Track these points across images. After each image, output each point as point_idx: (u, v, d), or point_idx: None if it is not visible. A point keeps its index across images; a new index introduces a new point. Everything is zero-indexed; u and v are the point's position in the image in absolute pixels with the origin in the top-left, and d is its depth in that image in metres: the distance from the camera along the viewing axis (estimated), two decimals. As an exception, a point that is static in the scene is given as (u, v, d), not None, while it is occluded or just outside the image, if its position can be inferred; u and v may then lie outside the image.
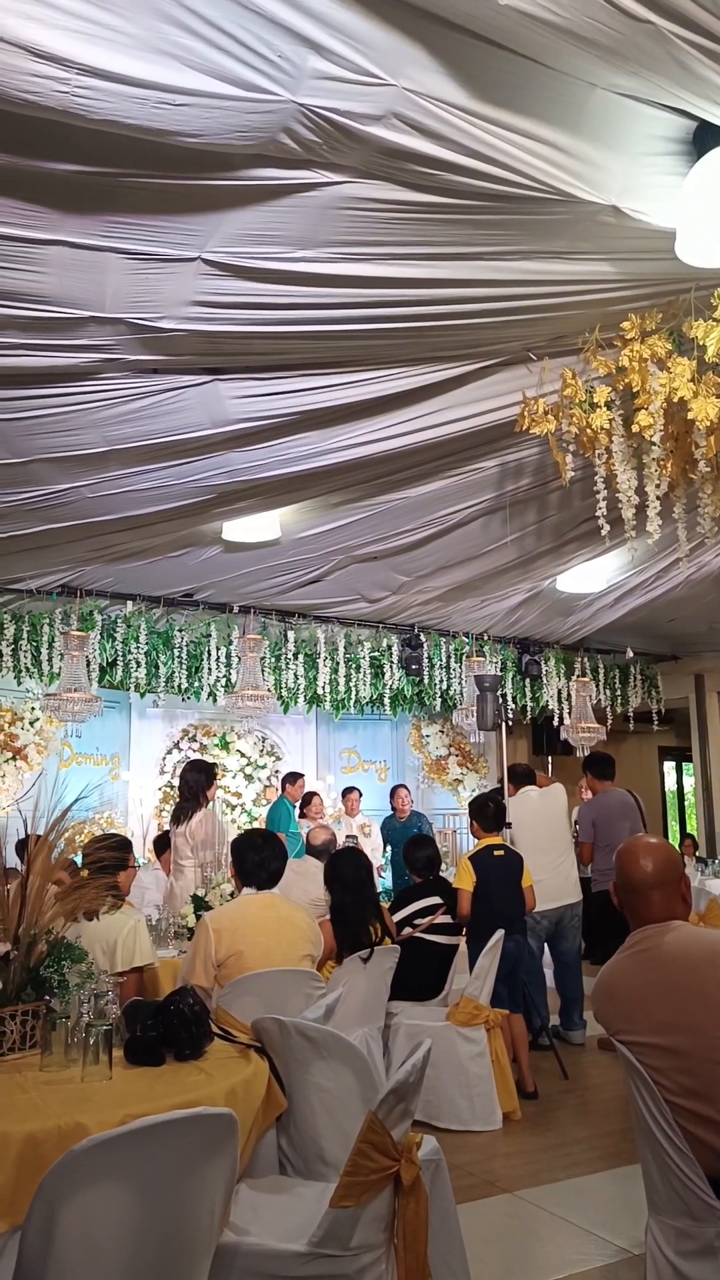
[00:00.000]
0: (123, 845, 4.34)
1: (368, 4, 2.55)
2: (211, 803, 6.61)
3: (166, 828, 8.15)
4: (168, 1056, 2.71)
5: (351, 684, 9.26)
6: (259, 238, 3.43)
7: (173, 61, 2.59)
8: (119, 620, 8.19)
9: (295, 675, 8.98)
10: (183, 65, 2.60)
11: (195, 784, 6.47)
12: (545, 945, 6.67)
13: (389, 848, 9.62)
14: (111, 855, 3.85)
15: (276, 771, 10.80)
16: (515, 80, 2.80)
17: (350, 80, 2.70)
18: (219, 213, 3.30)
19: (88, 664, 7.81)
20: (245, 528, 6.53)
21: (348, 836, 8.40)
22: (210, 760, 10.21)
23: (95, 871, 3.38)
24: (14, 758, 8.64)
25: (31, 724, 8.82)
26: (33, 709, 8.76)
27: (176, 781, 10.00)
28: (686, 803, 16.52)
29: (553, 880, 6.54)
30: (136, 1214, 1.88)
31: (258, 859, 3.97)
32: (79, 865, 3.94)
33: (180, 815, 6.40)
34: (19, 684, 8.27)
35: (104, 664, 8.11)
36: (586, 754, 7.66)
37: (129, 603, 8.12)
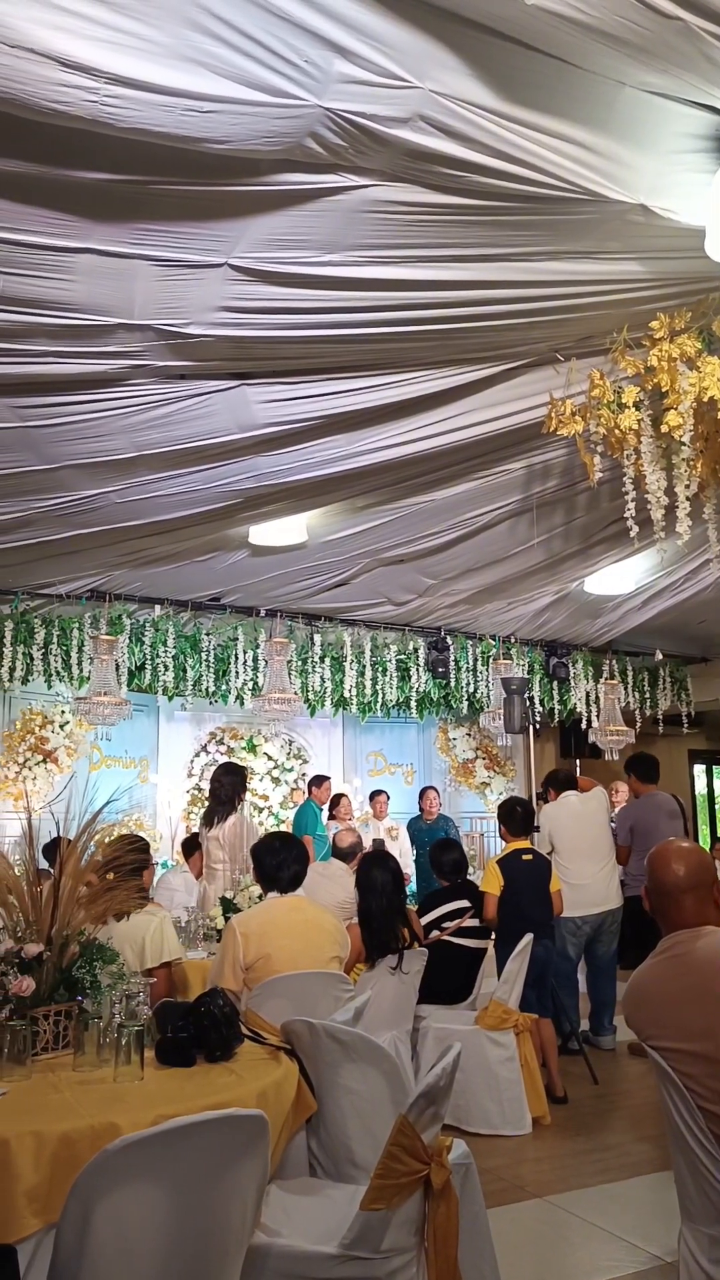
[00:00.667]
0: (143, 846, 4.35)
1: (393, 7, 2.55)
2: (242, 806, 6.62)
3: (195, 830, 8.19)
4: (198, 1058, 2.72)
5: (378, 687, 9.26)
6: (285, 242, 3.44)
7: (200, 69, 2.61)
8: (147, 624, 8.24)
9: (322, 678, 8.98)
10: (210, 72, 2.62)
11: (229, 786, 6.46)
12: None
13: (415, 850, 9.61)
14: (136, 856, 3.87)
15: (303, 774, 10.81)
16: (542, 80, 2.80)
17: (376, 84, 2.71)
18: (246, 218, 3.31)
19: (117, 668, 7.85)
20: (272, 531, 6.55)
21: (374, 840, 8.39)
22: (237, 762, 10.26)
23: (122, 871, 3.40)
24: (45, 760, 8.71)
25: (62, 727, 8.88)
26: (63, 712, 8.83)
27: (205, 784, 10.07)
28: (717, 806, 16.40)
29: (595, 885, 6.49)
30: (169, 1213, 1.89)
31: (275, 862, 3.96)
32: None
33: (212, 818, 6.40)
34: (49, 687, 8.33)
35: (133, 667, 8.16)
36: (630, 755, 7.56)
37: (157, 607, 8.16)
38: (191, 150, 2.86)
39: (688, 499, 4.18)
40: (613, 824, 7.27)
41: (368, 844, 8.24)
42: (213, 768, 10.10)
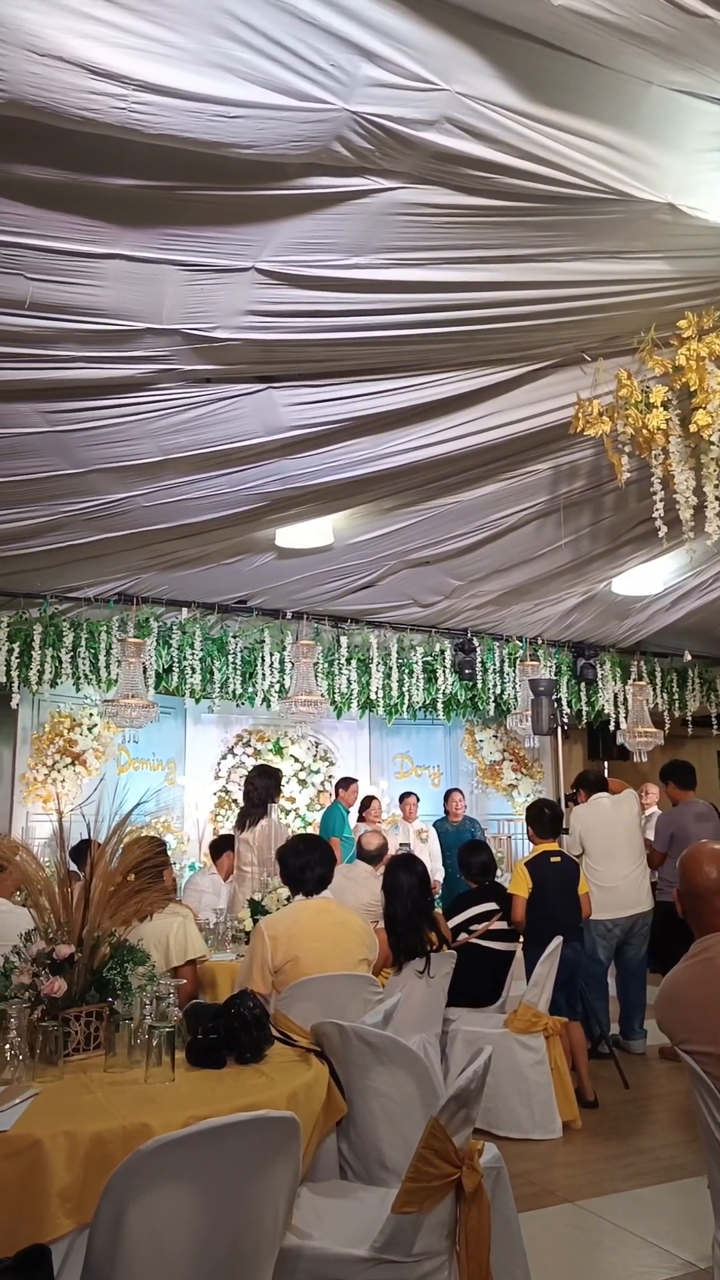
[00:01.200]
0: (162, 845, 4.36)
1: (418, 9, 2.56)
2: (274, 809, 6.62)
3: (222, 832, 8.20)
4: (229, 1059, 2.73)
5: (405, 689, 9.25)
6: (312, 246, 3.45)
7: (227, 74, 2.62)
8: (174, 627, 8.27)
9: (348, 680, 8.98)
10: (237, 77, 2.64)
11: (264, 789, 6.46)
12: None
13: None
14: (160, 858, 3.88)
15: (330, 776, 10.81)
16: (569, 80, 2.80)
17: (402, 86, 2.72)
18: (273, 222, 3.33)
19: (144, 670, 7.88)
20: (298, 534, 6.56)
21: (401, 844, 8.37)
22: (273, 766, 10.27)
23: (145, 873, 3.41)
24: (73, 763, 8.76)
25: (90, 730, 8.93)
26: (91, 715, 8.88)
27: (232, 787, 10.10)
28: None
29: (626, 888, 6.44)
30: (202, 1215, 1.89)
31: (300, 864, 3.96)
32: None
33: (245, 820, 6.41)
34: (78, 690, 8.38)
35: (160, 670, 8.19)
36: (666, 762, 7.49)
37: (184, 609, 8.19)
38: (219, 155, 2.87)
39: (717, 498, 4.15)
40: (644, 826, 7.22)
41: (394, 846, 8.23)
42: (240, 770, 10.16)
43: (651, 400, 4.09)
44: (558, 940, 5.16)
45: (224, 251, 3.45)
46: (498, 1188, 2.62)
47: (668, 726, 10.57)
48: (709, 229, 3.35)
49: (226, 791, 10.02)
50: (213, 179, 3.06)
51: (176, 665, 8.24)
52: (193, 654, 8.25)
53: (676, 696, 10.86)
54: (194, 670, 8.27)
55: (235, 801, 9.86)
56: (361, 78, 2.68)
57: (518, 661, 9.53)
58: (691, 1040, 2.36)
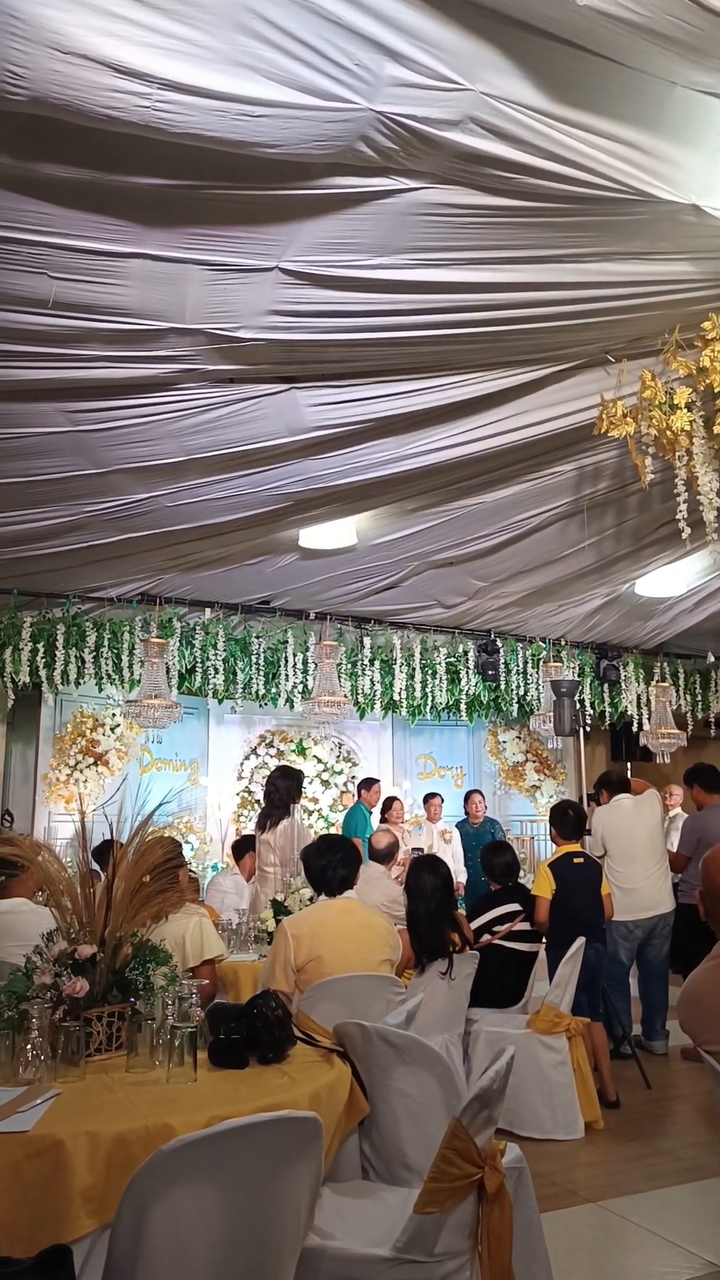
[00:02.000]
0: (178, 846, 4.36)
1: (443, 9, 2.55)
2: (296, 810, 6.63)
3: (245, 832, 8.21)
4: (251, 1060, 2.73)
5: (428, 690, 9.24)
6: (336, 246, 3.45)
7: (252, 74, 2.63)
8: (197, 627, 8.29)
9: (371, 681, 8.98)
10: (262, 77, 2.64)
11: (285, 791, 6.47)
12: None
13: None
14: (176, 859, 3.88)
15: (353, 777, 10.80)
16: (593, 81, 2.79)
17: (427, 86, 2.72)
18: (297, 222, 3.33)
19: (167, 670, 7.91)
20: (322, 535, 6.57)
21: (414, 849, 8.35)
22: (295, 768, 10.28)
23: (164, 874, 3.41)
24: (95, 763, 8.80)
25: (113, 730, 8.96)
26: (114, 715, 8.91)
27: (255, 788, 10.12)
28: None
29: (648, 889, 6.41)
30: (224, 1215, 1.89)
31: (322, 864, 3.95)
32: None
33: (266, 821, 6.42)
34: (100, 690, 8.42)
35: (183, 670, 8.21)
36: (692, 766, 7.44)
37: (207, 610, 8.22)
38: (243, 155, 2.88)
39: (741, 500, 4.13)
40: (668, 827, 7.17)
41: (410, 847, 8.22)
42: (262, 770, 10.16)
43: (675, 402, 4.08)
44: (580, 941, 5.14)
45: (248, 251, 3.46)
46: (520, 1188, 2.61)
47: (690, 728, 10.51)
48: (734, 229, 3.33)
49: (249, 792, 10.03)
50: (237, 178, 3.07)
51: (199, 666, 8.27)
52: (216, 654, 8.28)
53: (700, 698, 10.80)
54: (217, 670, 8.29)
55: (258, 802, 9.87)
56: (386, 77, 2.68)
57: (541, 663, 9.50)
58: (715, 1040, 2.35)
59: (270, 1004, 2.74)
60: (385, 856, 6.12)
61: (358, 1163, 2.90)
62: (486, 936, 5.50)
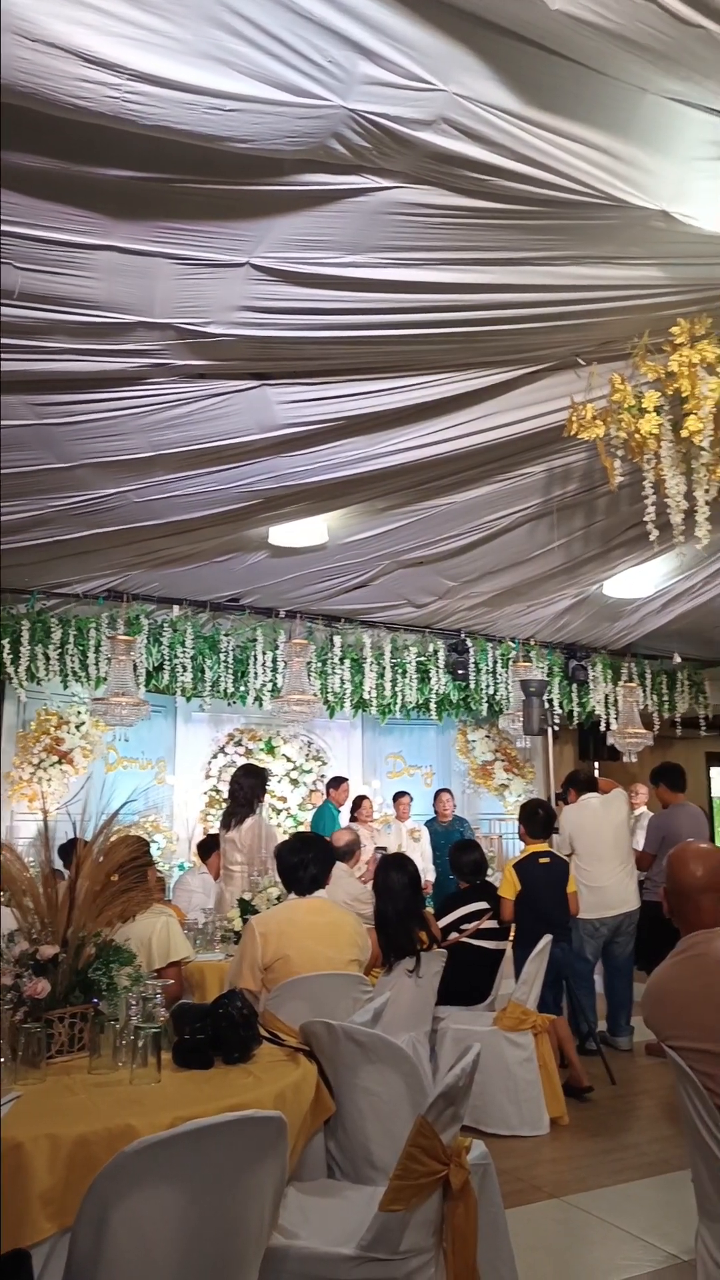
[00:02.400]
0: (145, 845, 4.33)
1: (417, 9, 2.55)
2: (261, 808, 6.62)
3: (212, 831, 8.18)
4: (216, 1060, 2.72)
5: (397, 689, 9.24)
6: (308, 243, 3.44)
7: (224, 67, 2.61)
8: (165, 625, 8.24)
9: (341, 680, 8.97)
10: (234, 71, 2.62)
11: (249, 789, 6.47)
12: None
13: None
14: (144, 858, 3.86)
15: (322, 776, 10.80)
16: (566, 85, 2.79)
17: (401, 85, 2.71)
18: (268, 218, 3.31)
19: (134, 668, 7.85)
20: (292, 533, 6.54)
21: (377, 848, 8.36)
22: (256, 764, 10.25)
23: (129, 873, 3.39)
24: (60, 762, 8.72)
25: (78, 728, 8.89)
26: (79, 713, 8.84)
27: (222, 786, 10.08)
28: (734, 810, 16.31)
29: (614, 887, 6.48)
30: (187, 1216, 1.88)
31: (295, 862, 3.95)
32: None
33: (230, 819, 6.40)
34: (65, 688, 8.35)
35: (150, 668, 8.16)
36: (657, 765, 7.53)
37: (175, 607, 8.16)
38: (214, 149, 2.86)
39: (707, 504, 4.15)
40: (634, 826, 7.24)
41: (375, 846, 8.23)
42: (230, 769, 10.11)
43: (644, 405, 4.10)
44: (547, 939, 5.18)
45: (219, 246, 3.43)
46: (485, 1184, 2.62)
47: (657, 727, 10.60)
48: (702, 237, 3.34)
49: (217, 791, 9.99)
50: (208, 173, 3.05)
51: (167, 663, 8.22)
52: (184, 652, 8.23)
53: (666, 698, 10.89)
54: (185, 668, 8.24)
55: (225, 801, 9.84)
56: (359, 75, 2.67)
57: (510, 662, 9.53)
58: (678, 1036, 2.37)
59: (236, 1003, 2.74)
60: (345, 854, 6.12)
61: (323, 1161, 2.90)
62: (454, 934, 5.52)
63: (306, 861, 3.94)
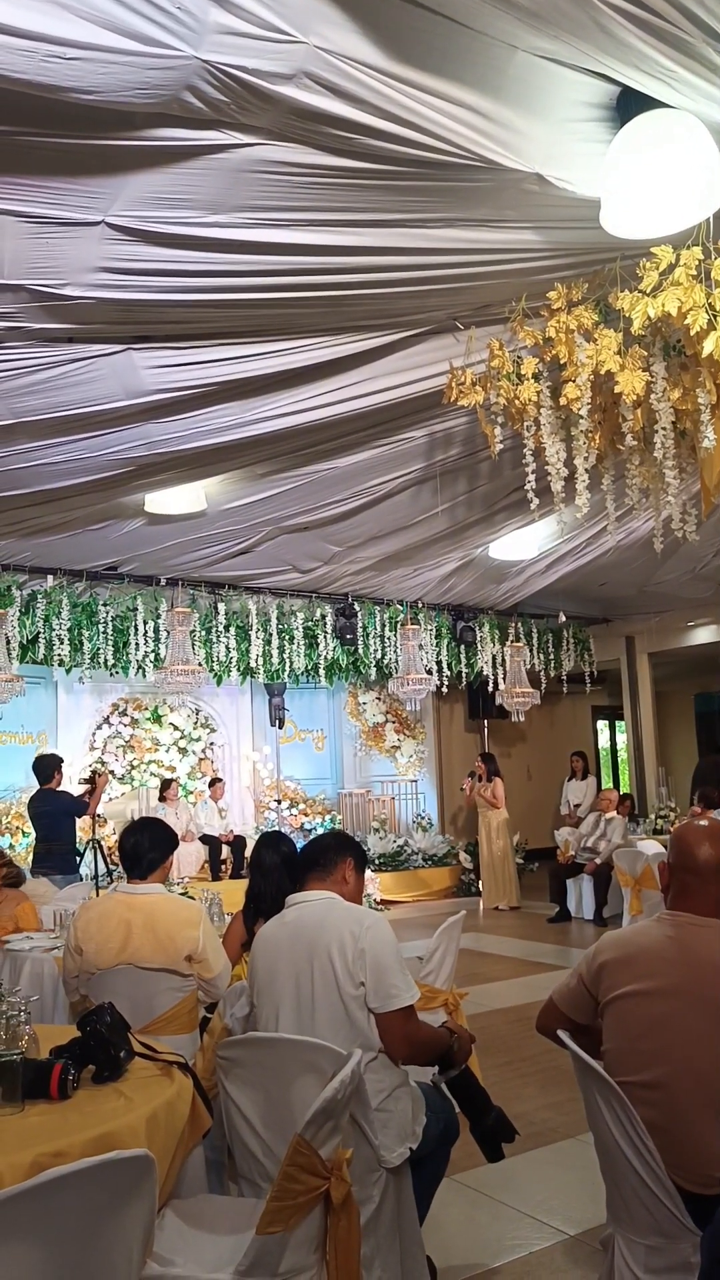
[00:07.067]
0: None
1: (273, -46, 2.36)
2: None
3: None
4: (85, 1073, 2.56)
5: (285, 655, 9.12)
6: (167, 201, 3.23)
7: (62, 12, 2.39)
8: (39, 595, 7.92)
9: (227, 648, 8.81)
10: (74, 16, 2.41)
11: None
12: None
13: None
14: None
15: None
16: (433, 40, 2.64)
17: (257, 36, 2.52)
18: (122, 175, 3.10)
19: (7, 642, 7.54)
20: (169, 499, 6.34)
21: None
22: (142, 733, 10.05)
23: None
24: None
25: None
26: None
27: (107, 758, 9.84)
28: (620, 759, 16.79)
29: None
30: (47, 1271, 1.75)
31: (129, 844, 3.71)
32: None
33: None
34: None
35: (24, 641, 7.85)
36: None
37: (49, 577, 7.86)
38: (58, 100, 2.64)
39: (586, 471, 4.10)
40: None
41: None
42: (116, 740, 9.90)
43: (523, 372, 4.01)
44: (460, 914, 5.12)
45: (70, 204, 3.21)
46: (400, 1187, 2.57)
47: (544, 685, 10.75)
48: (577, 201, 3.25)
49: (102, 763, 9.74)
50: (54, 125, 2.82)
51: (43, 635, 7.91)
52: (60, 623, 7.94)
53: (552, 656, 11.05)
54: (62, 640, 7.96)
55: (112, 773, 9.62)
56: (211, 24, 2.47)
57: (399, 625, 9.50)
58: (628, 982, 2.25)
59: (104, 1019, 2.59)
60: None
61: (203, 1176, 2.80)
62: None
63: (142, 847, 3.69)
